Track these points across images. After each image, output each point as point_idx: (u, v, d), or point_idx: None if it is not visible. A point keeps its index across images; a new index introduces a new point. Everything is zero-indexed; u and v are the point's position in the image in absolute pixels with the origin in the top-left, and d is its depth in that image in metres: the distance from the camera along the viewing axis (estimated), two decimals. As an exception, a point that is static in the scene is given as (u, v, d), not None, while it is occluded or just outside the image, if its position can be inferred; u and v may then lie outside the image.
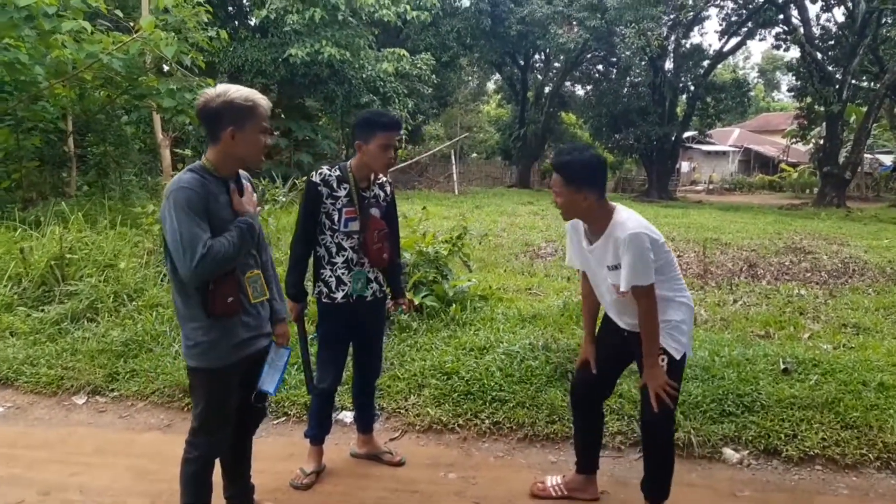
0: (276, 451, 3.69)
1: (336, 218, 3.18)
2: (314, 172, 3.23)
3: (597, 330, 3.24)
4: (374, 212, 3.27)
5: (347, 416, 4.08)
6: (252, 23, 19.66)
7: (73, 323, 5.22)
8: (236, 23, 20.33)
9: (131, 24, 8.62)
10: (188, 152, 12.85)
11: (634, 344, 2.98)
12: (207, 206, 2.39)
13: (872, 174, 35.08)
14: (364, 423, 3.66)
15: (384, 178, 3.39)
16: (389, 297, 3.51)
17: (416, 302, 5.41)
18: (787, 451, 3.69)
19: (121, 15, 8.55)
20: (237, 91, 2.43)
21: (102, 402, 4.31)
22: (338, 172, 3.20)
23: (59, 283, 5.69)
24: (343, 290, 3.23)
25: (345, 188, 3.18)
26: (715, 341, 5.10)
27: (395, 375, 4.45)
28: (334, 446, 3.73)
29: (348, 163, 3.25)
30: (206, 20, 8.99)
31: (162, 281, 5.93)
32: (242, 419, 2.77)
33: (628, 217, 2.81)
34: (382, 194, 3.35)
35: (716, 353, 4.74)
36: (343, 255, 3.22)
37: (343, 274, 3.23)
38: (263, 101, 2.49)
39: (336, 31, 17.31)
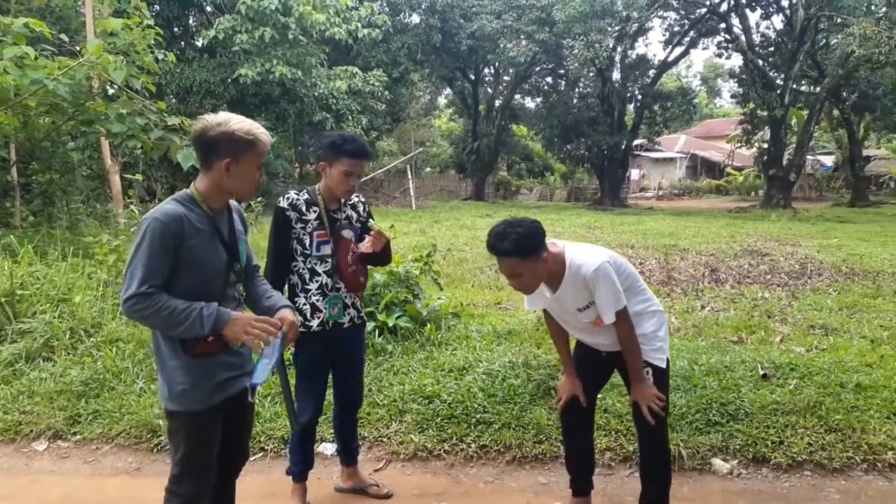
0: (256, 490, 3.52)
1: (307, 242, 3.07)
2: (281, 198, 3.11)
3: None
4: (347, 233, 3.17)
5: (328, 447, 3.93)
6: (199, 43, 19.34)
7: (28, 363, 4.91)
8: (182, 43, 19.96)
9: (77, 48, 8.32)
10: (138, 177, 12.52)
11: (616, 360, 3.01)
12: (182, 241, 2.24)
13: (815, 175, 36.35)
14: (348, 455, 3.50)
15: (356, 198, 3.28)
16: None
17: (391, 324, 5.29)
18: (775, 458, 3.69)
19: (66, 39, 8.24)
20: (239, 123, 2.31)
21: (65, 447, 4.05)
22: (306, 196, 3.11)
23: (11, 321, 5.38)
24: (318, 318, 3.11)
25: (314, 211, 3.09)
26: (692, 349, 5.11)
27: (374, 402, 4.31)
28: (317, 481, 3.58)
29: (317, 185, 3.16)
30: (153, 42, 8.74)
31: (121, 314, 5.66)
32: (225, 462, 2.62)
33: (582, 254, 2.81)
34: (355, 215, 3.25)
35: (694, 362, 4.74)
36: (317, 281, 3.11)
37: (318, 301, 3.11)
38: (265, 136, 2.36)
39: (287, 50, 17.12)
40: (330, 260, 3.11)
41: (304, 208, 3.07)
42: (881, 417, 3.95)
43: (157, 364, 2.41)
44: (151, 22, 8.78)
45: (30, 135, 9.21)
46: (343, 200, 3.18)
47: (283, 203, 3.07)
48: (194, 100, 17.66)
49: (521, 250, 2.64)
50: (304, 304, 3.10)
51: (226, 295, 2.44)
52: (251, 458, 3.80)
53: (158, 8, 18.13)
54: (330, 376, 3.35)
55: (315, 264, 3.10)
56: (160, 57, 9.10)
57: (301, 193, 3.12)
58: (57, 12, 13.11)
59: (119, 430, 4.09)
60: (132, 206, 8.46)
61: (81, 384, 4.53)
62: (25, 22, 7.15)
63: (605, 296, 2.73)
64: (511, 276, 2.74)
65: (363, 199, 3.36)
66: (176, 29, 19.74)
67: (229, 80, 17.39)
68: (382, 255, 3.26)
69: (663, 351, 2.96)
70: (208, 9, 19.89)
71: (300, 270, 3.12)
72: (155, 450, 3.94)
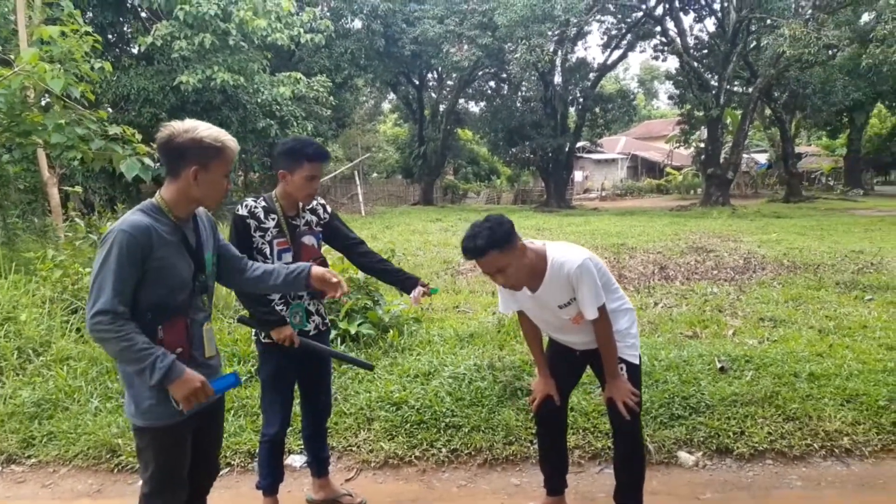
0: (225, 506, 3.43)
1: (268, 251, 3.02)
2: (239, 206, 3.05)
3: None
4: (308, 240, 3.13)
5: (297, 459, 3.87)
6: (136, 50, 18.79)
7: (-27, 386, 4.70)
8: (118, 51, 19.37)
9: (11, 56, 7.99)
10: (78, 189, 12.12)
11: (590, 358, 3.07)
12: (150, 253, 2.19)
13: (750, 172, 37.64)
14: (319, 466, 3.45)
15: (315, 202, 3.23)
16: (402, 294, 3.43)
17: (353, 331, 5.25)
18: (737, 448, 3.80)
19: (-2, 47, 7.92)
20: (207, 129, 2.27)
21: (20, 472, 3.86)
22: (263, 203, 3.05)
23: (-49, 343, 5.13)
24: None
25: (273, 219, 3.04)
26: (650, 345, 5.22)
27: (340, 411, 4.26)
28: (287, 493, 3.51)
29: (273, 192, 3.10)
30: (89, 49, 8.46)
31: (70, 331, 5.46)
32: (195, 478, 2.54)
33: (564, 251, 2.84)
34: (315, 219, 3.20)
35: (654, 358, 4.85)
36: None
37: (282, 310, 3.06)
38: (232, 143, 2.34)
39: (228, 57, 16.75)
40: None
41: (262, 216, 3.02)
42: (835, 405, 4.11)
43: (123, 379, 2.33)
44: (89, 29, 8.50)
45: (-40, 147, 8.79)
46: (302, 205, 3.14)
47: (242, 211, 3.01)
48: (132, 108, 17.12)
49: (496, 242, 2.63)
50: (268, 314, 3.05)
51: (192, 305, 2.38)
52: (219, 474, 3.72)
53: (91, 15, 17.55)
54: (296, 387, 3.30)
55: None
56: (96, 65, 8.82)
57: (259, 201, 3.06)
58: (-15, 20, 12.56)
59: (76, 451, 3.93)
60: (76, 219, 8.15)
61: (33, 405, 4.34)
62: (-47, 30, 6.84)
63: (588, 292, 2.75)
64: (496, 272, 2.70)
65: (323, 202, 3.31)
66: (110, 36, 19.10)
67: (169, 87, 16.92)
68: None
69: (636, 347, 3.03)
70: (143, 15, 19.33)
71: None
72: (115, 470, 3.81)
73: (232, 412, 4.27)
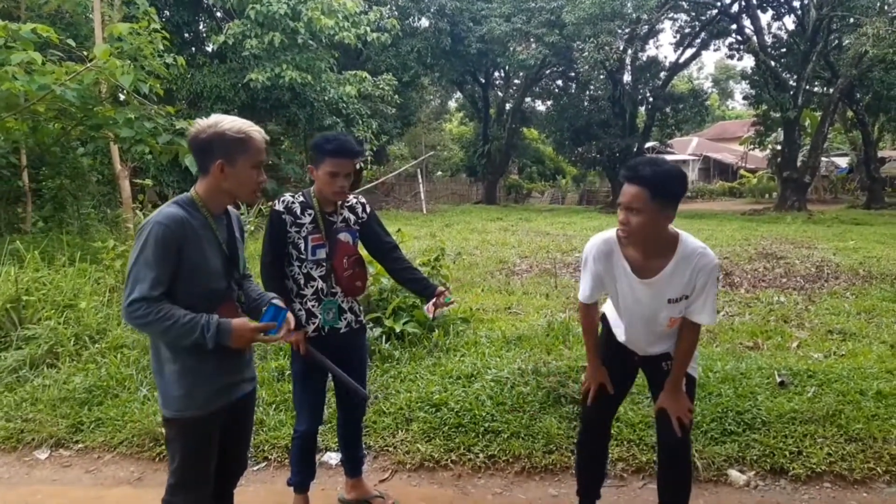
0: (259, 501, 3.44)
1: (302, 246, 3.00)
2: (277, 200, 3.03)
3: None
4: (344, 237, 3.08)
5: (332, 457, 3.85)
6: (210, 49, 19.35)
7: (32, 370, 4.87)
8: (193, 49, 19.99)
9: (85, 53, 8.31)
10: (149, 182, 12.55)
11: (646, 363, 2.89)
12: (184, 244, 2.21)
13: (829, 177, 35.94)
14: (352, 465, 3.40)
15: (355, 199, 3.18)
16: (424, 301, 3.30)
17: (398, 329, 5.21)
18: (793, 469, 3.57)
19: (73, 45, 8.23)
20: (230, 122, 2.28)
21: (67, 456, 3.99)
22: (301, 198, 3.04)
23: (16, 328, 5.34)
24: (314, 323, 3.03)
25: (309, 214, 3.01)
26: (706, 356, 4.97)
27: (379, 410, 4.22)
28: (321, 492, 3.50)
29: (312, 188, 3.08)
30: (161, 47, 8.72)
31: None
32: (223, 472, 2.54)
33: (700, 242, 2.60)
34: (353, 217, 3.14)
35: (709, 369, 4.61)
36: (312, 286, 3.03)
37: (314, 306, 3.04)
38: (258, 134, 2.33)
39: (296, 55, 17.07)
40: (325, 264, 3.03)
41: (298, 211, 3.00)
42: (904, 427, 3.82)
43: (155, 370, 2.36)
44: (159, 26, 8.76)
45: (39, 140, 9.21)
46: (339, 202, 3.09)
47: (279, 206, 3.00)
48: (205, 105, 17.63)
49: (656, 186, 2.39)
50: (300, 310, 3.03)
51: (225, 300, 2.39)
52: (254, 468, 3.76)
53: (168, 14, 18.18)
54: (331, 383, 3.27)
55: (311, 269, 3.02)
56: (169, 62, 9.09)
57: (296, 196, 3.05)
58: (67, 18, 13.16)
59: (121, 438, 4.03)
60: (139, 211, 8.42)
61: (85, 391, 4.48)
62: (33, 28, 7.15)
63: (711, 295, 2.56)
64: (627, 208, 2.45)
65: (364, 201, 3.24)
66: (186, 34, 19.76)
67: (239, 85, 17.37)
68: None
69: (696, 360, 2.87)
70: (218, 14, 19.91)
71: (295, 275, 3.04)
72: (157, 459, 3.88)
73: (273, 406, 4.30)
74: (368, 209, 3.23)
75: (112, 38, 8.10)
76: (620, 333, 2.88)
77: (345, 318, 3.11)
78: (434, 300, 3.11)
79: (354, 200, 3.18)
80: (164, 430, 2.47)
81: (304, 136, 19.69)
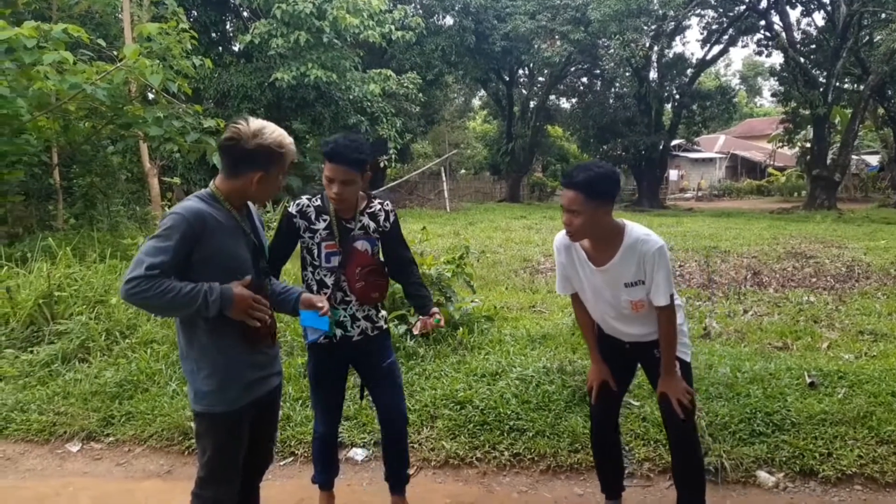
0: (285, 496, 3.47)
1: (316, 253, 2.88)
2: (292, 203, 2.93)
3: None
4: (361, 245, 2.91)
5: (359, 453, 3.87)
6: (236, 48, 19.55)
7: (64, 364, 4.97)
8: (220, 48, 20.20)
9: (114, 52, 8.45)
10: (177, 180, 12.72)
11: (639, 352, 3.00)
12: (204, 236, 2.22)
13: (860, 175, 35.31)
14: (393, 480, 3.17)
15: (379, 206, 2.99)
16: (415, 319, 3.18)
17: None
18: (823, 471, 3.51)
19: (103, 44, 8.38)
20: (272, 134, 2.30)
21: (98, 449, 4.06)
22: (317, 202, 2.90)
23: (49, 323, 5.45)
24: None
25: (324, 220, 2.87)
26: (734, 356, 4.93)
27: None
28: (346, 487, 3.52)
29: None
30: (189, 47, 8.83)
31: (155, 316, 5.69)
32: (249, 466, 2.57)
33: (644, 230, 2.77)
34: (373, 224, 2.95)
35: (737, 369, 4.56)
36: (325, 293, 2.87)
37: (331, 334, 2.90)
38: (292, 147, 2.39)
39: (321, 54, 17.18)
40: (337, 272, 2.88)
41: (313, 216, 2.87)
42: (937, 429, 3.75)
43: (185, 366, 2.39)
44: (187, 26, 8.86)
45: (70, 139, 9.38)
46: (362, 206, 2.93)
47: (292, 209, 2.89)
48: (232, 104, 17.81)
49: (590, 188, 2.60)
50: None
51: (261, 289, 2.42)
52: (281, 463, 3.79)
53: (196, 14, 18.39)
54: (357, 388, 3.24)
55: (324, 276, 2.89)
56: (197, 62, 9.20)
57: (313, 200, 2.91)
58: (97, 19, 13.36)
59: (151, 431, 4.09)
60: (168, 209, 8.52)
61: (115, 385, 4.56)
62: (64, 28, 7.28)
63: (663, 277, 2.69)
64: (567, 210, 2.66)
65: (389, 208, 3.04)
66: (213, 34, 19.98)
67: (266, 84, 17.52)
68: None
69: (688, 346, 2.95)
70: (245, 14, 20.11)
71: (309, 281, 2.94)
72: (186, 452, 3.93)
73: (300, 402, 4.33)
74: (392, 218, 3.03)
75: (141, 37, 8.22)
76: (601, 323, 3.02)
77: (358, 326, 2.94)
78: (420, 322, 3.01)
79: (378, 207, 2.99)
80: (193, 425, 2.49)
81: (328, 135, 19.81)
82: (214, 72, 16.22)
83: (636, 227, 2.77)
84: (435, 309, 3.04)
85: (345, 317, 2.91)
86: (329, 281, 2.89)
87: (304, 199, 2.92)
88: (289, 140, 2.36)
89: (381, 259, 3.04)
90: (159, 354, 5.03)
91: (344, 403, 3.30)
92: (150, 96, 10.32)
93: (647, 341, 2.91)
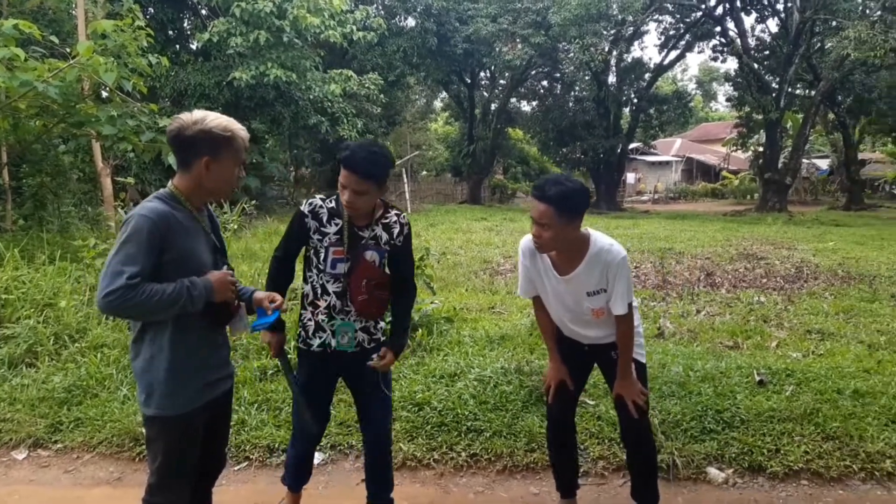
0: (240, 501, 3.42)
1: (322, 256, 2.76)
2: (306, 201, 2.81)
3: None
4: (370, 255, 2.76)
5: (317, 456, 3.83)
6: (194, 46, 19.23)
7: (10, 369, 4.81)
8: (177, 46, 19.86)
9: (68, 50, 8.23)
10: (131, 180, 12.43)
11: (597, 353, 3.09)
12: (169, 236, 2.19)
13: (810, 178, 36.38)
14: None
15: (395, 217, 2.85)
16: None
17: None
18: (771, 466, 3.61)
19: (56, 41, 8.16)
20: (215, 119, 2.28)
21: (45, 456, 3.94)
22: (331, 204, 2.76)
23: (-5, 327, 5.29)
24: (320, 338, 2.80)
25: (336, 224, 2.74)
26: (687, 355, 5.04)
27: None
28: (303, 491, 3.47)
29: None
30: (145, 44, 8.65)
31: (107, 319, 5.57)
32: (202, 469, 2.53)
33: (608, 240, 2.84)
34: (386, 236, 2.81)
35: (690, 368, 4.67)
36: (326, 300, 2.78)
37: (323, 320, 2.79)
38: (242, 132, 2.34)
39: (281, 53, 16.99)
40: (342, 281, 2.75)
41: (325, 218, 2.75)
42: (879, 425, 3.89)
43: (136, 368, 2.32)
44: (144, 24, 8.69)
45: (20, 137, 9.12)
46: (375, 217, 2.79)
47: (305, 207, 2.78)
48: (188, 103, 17.47)
49: (561, 204, 2.63)
50: (310, 320, 2.83)
51: None
52: (235, 468, 3.74)
53: (153, 11, 18.04)
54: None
55: (327, 281, 2.77)
56: (153, 60, 9.02)
57: (327, 201, 2.77)
58: (50, 15, 13.03)
59: (101, 438, 3.99)
60: (122, 209, 8.36)
61: (64, 391, 4.43)
62: (15, 24, 7.06)
63: (624, 287, 2.77)
64: (537, 223, 2.69)
65: (405, 220, 2.89)
66: (170, 32, 19.63)
67: (224, 83, 17.27)
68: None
69: (643, 347, 3.05)
70: (203, 12, 19.79)
71: (313, 282, 2.81)
72: (137, 459, 3.84)
73: (255, 405, 4.28)
74: (406, 232, 2.88)
75: (96, 35, 8.02)
76: (561, 326, 3.09)
77: (354, 338, 2.83)
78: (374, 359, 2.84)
79: (395, 219, 2.85)
80: (144, 430, 2.44)
81: (288, 135, 19.67)
82: (171, 70, 15.90)
83: (600, 237, 2.83)
84: (386, 349, 2.86)
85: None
86: (331, 288, 2.77)
87: (317, 199, 2.79)
88: (237, 126, 2.32)
89: (387, 272, 2.87)
90: (110, 359, 4.91)
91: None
92: (104, 94, 10.09)
93: (606, 343, 2.99)
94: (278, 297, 2.56)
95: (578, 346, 3.07)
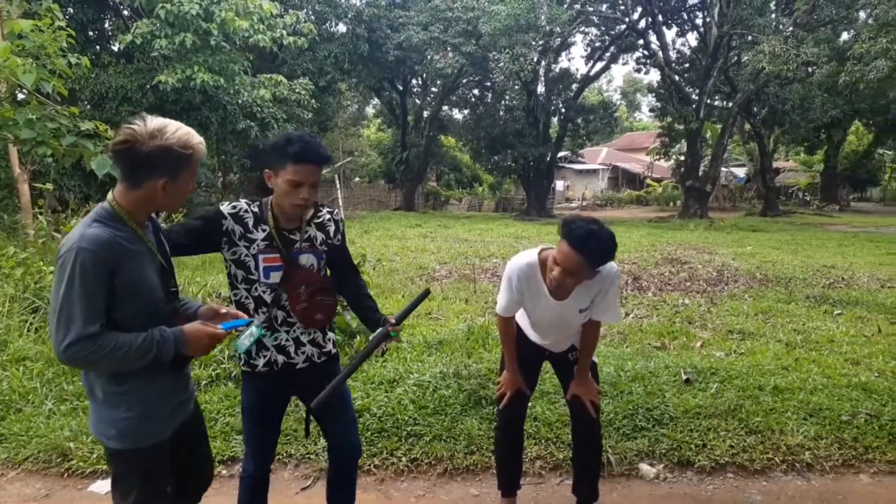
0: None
1: (252, 266, 2.49)
2: (227, 204, 2.54)
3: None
4: (306, 259, 2.54)
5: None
6: (116, 48, 18.60)
7: (-77, 385, 4.56)
8: (98, 48, 19.16)
9: (-20, 49, 7.83)
10: (49, 186, 11.89)
11: (556, 357, 3.19)
12: (116, 268, 1.95)
13: (728, 186, 38.09)
14: None
15: (328, 215, 2.66)
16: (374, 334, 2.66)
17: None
18: (699, 461, 3.78)
19: (-33, 40, 7.76)
20: (175, 133, 1.99)
21: (-35, 476, 3.77)
22: (256, 210, 2.52)
23: None
24: (264, 357, 2.57)
25: (263, 230, 2.50)
26: (618, 356, 5.21)
27: (300, 418, 4.19)
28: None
29: (270, 198, 2.54)
30: (66, 45, 8.33)
31: (29, 331, 5.33)
32: (188, 488, 2.39)
33: None
34: (322, 236, 2.61)
35: (621, 368, 4.84)
36: (264, 313, 2.52)
37: (264, 335, 2.53)
38: (201, 147, 2.08)
39: (209, 57, 16.61)
40: (278, 289, 2.51)
41: (250, 224, 2.50)
42: (798, 419, 4.13)
43: (94, 396, 2.09)
44: (64, 24, 8.37)
45: (-72, 141, 8.61)
46: (310, 213, 2.60)
47: (226, 209, 2.50)
48: (110, 106, 16.91)
49: (598, 261, 2.62)
50: None
51: (168, 311, 2.17)
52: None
53: (72, 11, 17.36)
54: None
55: (263, 292, 2.52)
56: (73, 61, 8.69)
57: (252, 205, 2.53)
58: (-41, 12, 12.36)
59: (26, 454, 3.82)
60: (41, 217, 8.01)
61: (-16, 407, 4.23)
62: (-77, 21, 6.70)
63: (616, 297, 2.89)
64: (566, 270, 2.60)
65: (339, 217, 2.73)
66: (91, 33, 18.93)
67: (148, 86, 16.76)
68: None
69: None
70: (125, 13, 19.15)
71: (242, 299, 2.53)
72: (66, 474, 3.70)
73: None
74: (342, 229, 2.73)
75: (12, 35, 7.68)
76: (534, 336, 3.13)
77: (302, 352, 2.60)
78: (385, 344, 2.71)
79: (328, 217, 2.67)
80: (110, 465, 2.18)
81: (216, 140, 19.17)
82: (91, 72, 15.34)
83: None
84: (390, 319, 2.64)
85: (264, 333, 2.52)
86: (268, 298, 2.53)
87: (242, 203, 2.54)
88: (197, 139, 2.06)
89: (327, 274, 2.67)
90: (33, 372, 4.70)
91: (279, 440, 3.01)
92: (21, 97, 9.65)
93: (567, 348, 3.11)
94: (224, 308, 2.31)
95: (540, 352, 3.14)
